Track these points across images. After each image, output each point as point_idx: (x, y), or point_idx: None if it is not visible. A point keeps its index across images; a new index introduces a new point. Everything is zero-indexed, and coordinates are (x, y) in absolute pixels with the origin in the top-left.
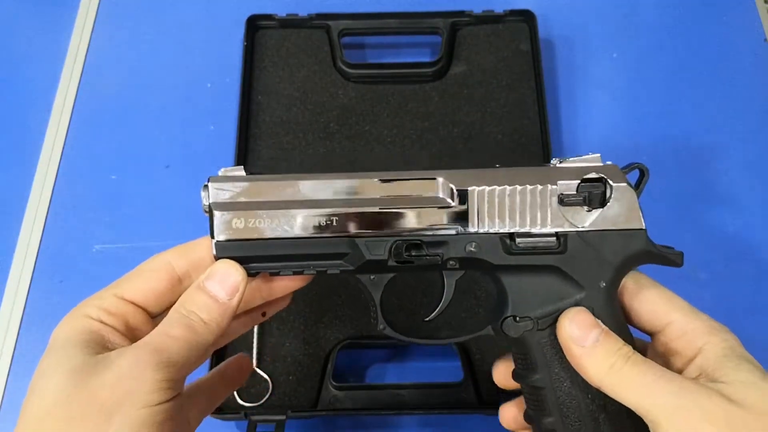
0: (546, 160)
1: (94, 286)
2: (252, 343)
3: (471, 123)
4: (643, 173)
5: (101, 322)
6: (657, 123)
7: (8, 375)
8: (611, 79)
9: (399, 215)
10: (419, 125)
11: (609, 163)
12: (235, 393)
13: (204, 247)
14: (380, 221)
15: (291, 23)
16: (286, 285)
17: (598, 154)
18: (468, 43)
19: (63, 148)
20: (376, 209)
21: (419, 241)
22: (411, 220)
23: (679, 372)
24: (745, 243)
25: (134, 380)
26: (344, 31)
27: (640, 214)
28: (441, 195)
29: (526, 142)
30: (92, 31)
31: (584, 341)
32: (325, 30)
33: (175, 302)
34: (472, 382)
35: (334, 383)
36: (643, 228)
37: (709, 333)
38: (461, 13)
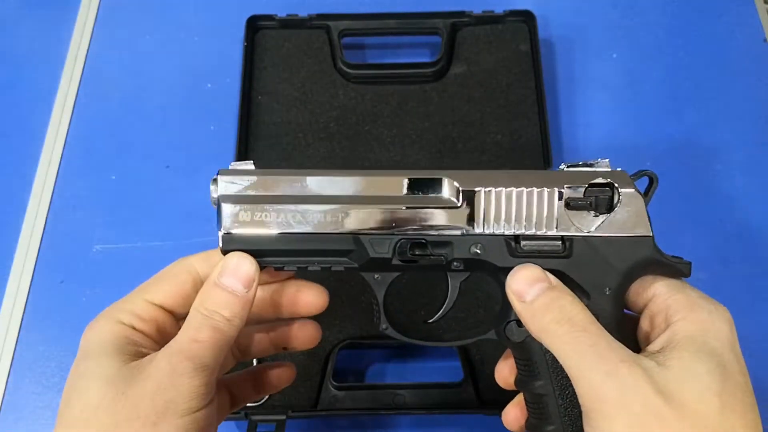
0: (546, 160)
1: (94, 286)
2: None
3: (471, 123)
4: (652, 181)
5: (133, 328)
6: (656, 123)
7: (8, 375)
8: (611, 79)
9: (404, 214)
10: (419, 125)
11: (618, 169)
12: None
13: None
14: (385, 219)
15: (291, 24)
16: (309, 302)
17: (607, 160)
18: (468, 43)
19: (63, 148)
20: (382, 207)
21: (424, 241)
22: (416, 219)
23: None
24: (745, 243)
25: (173, 390)
26: (344, 31)
27: (648, 221)
28: (447, 195)
29: (525, 142)
30: (92, 32)
31: (525, 295)
32: (325, 30)
33: None
34: (472, 382)
35: (334, 383)
36: (651, 235)
37: (689, 309)
38: (461, 14)
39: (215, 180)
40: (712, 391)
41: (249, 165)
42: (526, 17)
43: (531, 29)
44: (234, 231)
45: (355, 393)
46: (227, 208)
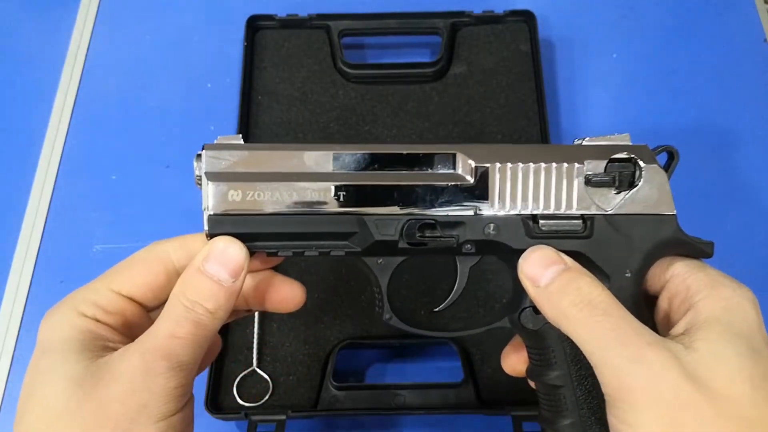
0: None
1: None
2: (252, 343)
3: (471, 123)
4: (672, 156)
5: (97, 320)
6: (656, 123)
7: (8, 375)
8: (611, 79)
9: (413, 192)
10: (419, 125)
11: (640, 144)
12: (235, 393)
13: (206, 239)
14: (392, 198)
15: (291, 23)
16: (285, 298)
17: (627, 134)
18: (468, 43)
19: (63, 148)
20: (388, 184)
21: (433, 221)
22: (425, 197)
23: (669, 328)
24: (745, 243)
25: (146, 392)
26: (344, 31)
27: (671, 199)
28: (459, 171)
29: (525, 142)
30: (92, 32)
31: (540, 280)
32: (325, 30)
33: None
34: (472, 382)
35: (334, 383)
36: (674, 213)
37: (710, 287)
38: (461, 14)
39: (199, 156)
40: (743, 375)
41: (238, 139)
42: (526, 17)
43: (531, 29)
44: (223, 212)
45: (355, 393)
46: (214, 187)
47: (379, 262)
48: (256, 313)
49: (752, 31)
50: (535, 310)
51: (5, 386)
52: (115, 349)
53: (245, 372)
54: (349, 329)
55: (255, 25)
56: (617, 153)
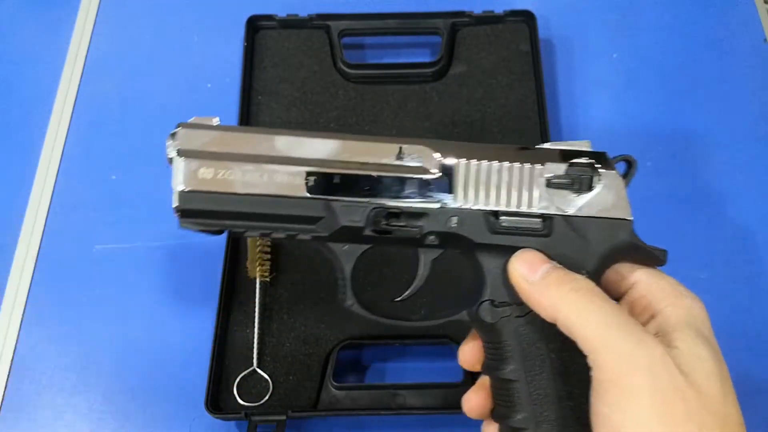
0: None
1: (94, 286)
2: (252, 343)
3: (471, 123)
4: (630, 164)
5: None
6: (656, 123)
7: (8, 375)
8: (611, 79)
9: (380, 181)
10: (419, 125)
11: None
12: (235, 393)
13: None
14: (359, 186)
15: (291, 24)
16: None
17: (588, 141)
18: (468, 43)
19: (63, 148)
20: (357, 173)
21: (399, 211)
22: (392, 187)
23: None
24: (745, 243)
25: None
26: (344, 31)
27: (628, 205)
28: (426, 165)
29: (526, 142)
30: (92, 32)
31: (533, 275)
32: (325, 30)
33: None
34: (472, 382)
35: (334, 383)
36: (631, 219)
37: (674, 295)
38: (461, 14)
39: (174, 134)
40: (715, 375)
41: (215, 120)
42: (526, 17)
43: (531, 29)
44: (193, 189)
45: (355, 393)
46: (186, 163)
47: (344, 248)
48: (256, 313)
49: (752, 31)
50: (493, 303)
51: (5, 386)
52: None
53: (245, 372)
54: (349, 329)
55: (255, 25)
56: (577, 157)
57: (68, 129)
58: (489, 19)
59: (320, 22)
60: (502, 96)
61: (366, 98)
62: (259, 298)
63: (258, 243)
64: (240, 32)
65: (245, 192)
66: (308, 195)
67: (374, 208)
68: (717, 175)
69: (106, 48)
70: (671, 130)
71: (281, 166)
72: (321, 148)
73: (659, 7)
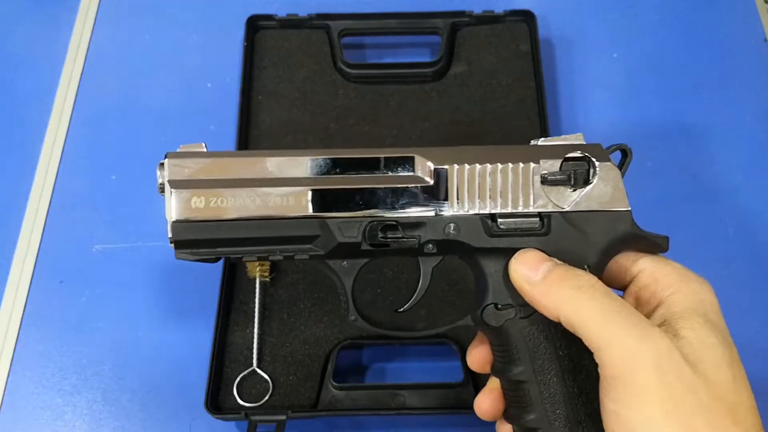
0: None
1: (94, 287)
2: (252, 343)
3: (471, 123)
4: (626, 154)
5: None
6: (657, 123)
7: (8, 375)
8: (611, 79)
9: (374, 194)
10: (419, 125)
11: (593, 143)
12: (235, 393)
13: None
14: (354, 201)
15: (291, 23)
16: None
17: (581, 134)
18: (468, 43)
19: (63, 148)
20: (350, 187)
21: (395, 223)
22: (386, 199)
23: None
24: (745, 243)
25: None
26: (344, 31)
27: (625, 195)
28: (419, 173)
29: (526, 142)
30: (92, 31)
31: (535, 275)
32: (325, 30)
33: None
34: (472, 382)
35: (334, 383)
36: (629, 209)
37: (680, 281)
38: (461, 14)
39: (162, 165)
40: (725, 363)
41: (201, 147)
42: (526, 17)
43: (531, 29)
44: (186, 218)
45: (355, 393)
46: (177, 194)
47: (343, 264)
48: (256, 313)
49: (752, 31)
50: (497, 307)
51: (5, 386)
52: None
53: (245, 372)
54: (349, 329)
55: (255, 25)
56: (572, 152)
57: (68, 128)
58: (489, 19)
59: (320, 21)
60: (502, 96)
61: (366, 98)
62: (259, 298)
63: None
64: (240, 32)
65: (238, 216)
66: (302, 214)
67: (370, 222)
68: (717, 175)
69: (106, 47)
70: (671, 129)
71: (273, 188)
72: (312, 166)
73: (659, 7)
